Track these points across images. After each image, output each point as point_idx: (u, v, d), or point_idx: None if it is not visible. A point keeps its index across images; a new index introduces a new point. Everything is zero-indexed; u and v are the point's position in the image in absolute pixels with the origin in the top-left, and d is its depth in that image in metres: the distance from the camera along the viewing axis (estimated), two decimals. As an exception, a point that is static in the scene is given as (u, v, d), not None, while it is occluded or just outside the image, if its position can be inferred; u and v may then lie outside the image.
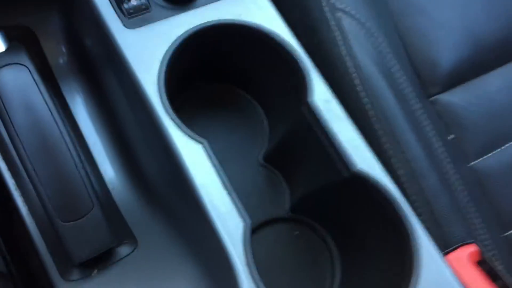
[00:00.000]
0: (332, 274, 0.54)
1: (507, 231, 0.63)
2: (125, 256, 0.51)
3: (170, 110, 0.46)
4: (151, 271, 0.51)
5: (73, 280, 0.49)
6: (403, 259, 0.44)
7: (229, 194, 0.44)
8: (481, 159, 0.64)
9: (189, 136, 0.46)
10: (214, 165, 0.45)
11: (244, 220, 0.43)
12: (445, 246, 0.51)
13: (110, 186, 0.56)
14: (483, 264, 0.48)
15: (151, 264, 0.51)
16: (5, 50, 0.48)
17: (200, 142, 0.46)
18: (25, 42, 0.50)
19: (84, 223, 0.47)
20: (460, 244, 0.49)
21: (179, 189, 0.48)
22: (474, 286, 0.45)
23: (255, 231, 0.57)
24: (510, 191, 0.64)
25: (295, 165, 0.56)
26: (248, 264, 0.41)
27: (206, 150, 0.45)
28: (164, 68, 0.47)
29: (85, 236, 0.47)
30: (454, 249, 0.48)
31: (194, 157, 0.45)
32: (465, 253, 0.48)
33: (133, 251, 0.52)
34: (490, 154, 0.65)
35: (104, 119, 0.59)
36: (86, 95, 0.58)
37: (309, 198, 0.54)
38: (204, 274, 0.50)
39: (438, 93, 0.65)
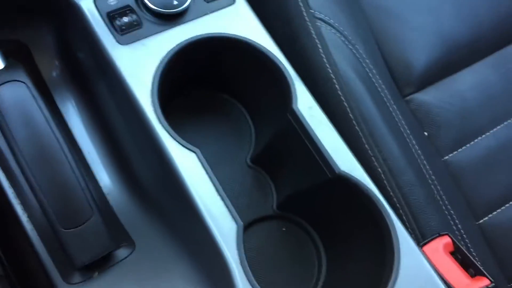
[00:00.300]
0: (319, 267, 0.58)
1: (479, 220, 0.68)
2: (124, 258, 0.54)
3: (164, 122, 0.49)
4: (149, 272, 0.54)
5: (75, 283, 0.52)
6: (384, 251, 0.48)
7: (222, 198, 0.47)
8: (454, 153, 0.69)
9: (183, 145, 0.49)
10: (207, 172, 0.48)
11: (237, 222, 0.47)
12: (422, 237, 0.55)
13: (105, 191, 0.59)
14: (456, 253, 0.52)
15: (149, 265, 0.54)
16: (4, 68, 0.50)
17: (193, 151, 0.49)
18: (20, 57, 0.52)
19: (85, 229, 0.50)
20: (436, 235, 0.53)
21: (173, 195, 0.51)
22: (449, 274, 0.49)
23: (245, 229, 0.60)
24: (482, 183, 0.69)
25: (281, 167, 0.60)
26: (242, 264, 0.45)
27: (199, 159, 0.49)
28: (157, 81, 0.50)
29: (86, 242, 0.50)
30: (430, 241, 0.52)
31: (188, 165, 0.48)
32: (440, 244, 0.52)
33: (131, 253, 0.54)
34: (462, 148, 0.69)
35: (97, 129, 0.62)
36: (79, 106, 0.61)
37: (295, 197, 0.58)
38: (200, 274, 0.53)
39: (413, 92, 0.69)
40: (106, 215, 0.55)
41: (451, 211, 0.64)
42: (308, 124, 0.52)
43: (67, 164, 0.49)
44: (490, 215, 0.68)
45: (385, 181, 0.58)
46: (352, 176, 0.50)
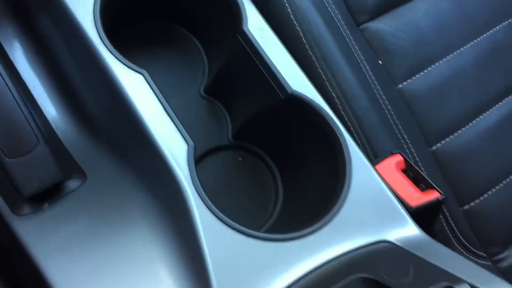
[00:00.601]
0: (276, 193, 0.58)
1: (432, 147, 0.69)
2: (75, 190, 0.52)
3: (109, 44, 0.47)
4: (102, 203, 0.52)
5: (24, 215, 0.50)
6: (337, 169, 0.48)
7: (171, 119, 0.46)
8: (408, 81, 0.69)
9: (129, 67, 0.47)
10: (155, 93, 0.47)
11: (187, 142, 0.46)
12: (375, 158, 0.56)
13: (54, 125, 0.57)
14: (408, 171, 0.53)
15: (101, 197, 0.53)
16: None
17: (140, 73, 0.47)
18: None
19: (30, 158, 0.48)
20: (388, 154, 0.53)
21: (123, 121, 0.50)
22: (400, 189, 0.50)
23: (201, 160, 0.60)
24: (435, 110, 0.70)
25: (234, 94, 0.59)
26: (194, 183, 0.44)
27: (146, 80, 0.47)
28: (98, 2, 0.48)
29: (32, 171, 0.48)
30: (382, 160, 0.53)
31: (135, 87, 0.47)
32: (392, 162, 0.53)
33: (82, 184, 0.53)
34: (416, 77, 0.69)
35: (42, 62, 0.59)
36: (22, 39, 0.58)
37: (249, 124, 0.57)
38: (154, 201, 0.52)
39: (367, 21, 0.69)
40: (54, 146, 0.53)
41: (405, 136, 0.65)
42: (259, 45, 0.51)
43: (9, 94, 0.47)
44: (443, 142, 0.69)
45: (339, 105, 0.58)
46: (304, 95, 0.50)
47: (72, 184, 0.53)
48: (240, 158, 0.61)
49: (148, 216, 0.50)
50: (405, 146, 0.62)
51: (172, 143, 0.45)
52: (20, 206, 0.51)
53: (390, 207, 0.47)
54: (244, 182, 0.60)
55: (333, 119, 0.49)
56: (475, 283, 0.39)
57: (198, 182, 0.44)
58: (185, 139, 0.46)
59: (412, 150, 0.62)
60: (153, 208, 0.52)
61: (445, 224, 0.67)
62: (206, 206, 0.44)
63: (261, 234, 0.43)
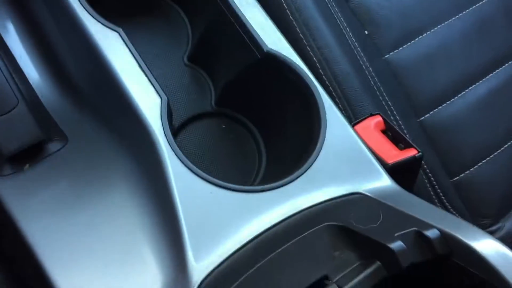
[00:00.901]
0: (259, 158, 0.59)
1: (420, 117, 0.69)
2: (56, 152, 0.53)
3: (86, 3, 0.48)
4: (83, 166, 0.53)
5: (4, 175, 0.51)
6: (312, 126, 0.48)
7: (145, 74, 0.47)
8: (394, 51, 0.69)
9: (104, 24, 0.48)
10: (130, 50, 0.47)
11: (161, 97, 0.46)
12: (355, 119, 0.56)
13: (39, 93, 0.57)
14: (387, 131, 0.53)
15: (82, 159, 0.53)
16: None
17: (116, 31, 0.48)
18: None
19: (10, 117, 0.49)
20: (367, 115, 0.53)
21: (102, 82, 0.51)
22: (378, 148, 0.50)
23: (184, 127, 0.60)
24: (423, 81, 0.69)
25: (216, 59, 0.59)
26: (166, 135, 0.44)
27: (121, 37, 0.48)
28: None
29: (12, 130, 0.49)
30: (361, 120, 0.52)
31: (111, 43, 0.47)
32: (372, 122, 0.52)
33: (63, 146, 0.53)
34: (403, 47, 0.69)
35: (28, 32, 0.60)
36: (8, 10, 0.59)
37: (231, 89, 0.57)
38: (134, 163, 0.52)
39: (352, -9, 0.68)
40: (35, 108, 0.54)
41: (392, 107, 0.65)
42: (236, 5, 0.51)
43: None
44: (431, 112, 0.69)
45: (320, 70, 0.58)
46: (280, 53, 0.50)
47: (53, 146, 0.54)
48: (223, 126, 0.61)
49: (128, 177, 0.50)
50: (391, 116, 0.61)
51: (146, 97, 0.46)
52: (2, 166, 0.51)
53: (365, 161, 0.47)
54: (227, 149, 0.60)
55: (308, 77, 0.49)
56: (445, 228, 0.38)
57: (170, 135, 0.45)
58: (158, 94, 0.46)
59: (400, 121, 0.62)
60: (132, 170, 0.52)
61: (434, 196, 0.67)
62: (178, 157, 0.44)
63: (231, 185, 0.43)
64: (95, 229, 0.47)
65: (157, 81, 0.47)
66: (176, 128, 0.59)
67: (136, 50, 0.49)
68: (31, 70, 0.59)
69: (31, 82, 0.58)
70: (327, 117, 0.48)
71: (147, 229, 0.45)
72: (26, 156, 0.52)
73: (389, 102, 0.65)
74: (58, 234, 0.47)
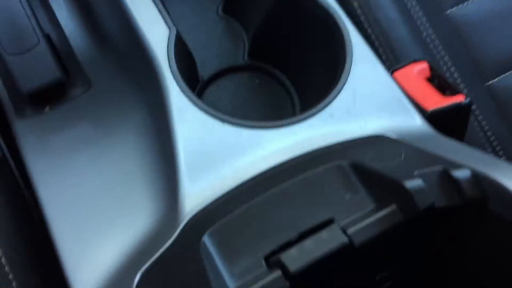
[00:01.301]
0: (293, 112, 0.54)
1: (488, 82, 0.60)
2: (78, 96, 0.52)
3: None
4: (103, 112, 0.51)
5: (26, 117, 0.50)
6: (337, 64, 0.43)
7: (156, 5, 0.44)
8: (458, 6, 0.61)
9: None
10: None
11: (169, 28, 0.43)
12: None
13: (67, 32, 0.57)
14: (434, 79, 0.45)
15: (103, 107, 0.52)
16: None
17: None
18: None
19: (31, 55, 0.48)
20: (410, 61, 0.46)
21: (119, 20, 0.49)
22: (417, 93, 0.42)
23: (213, 80, 0.57)
24: (491, 39, 0.60)
25: (253, 12, 0.55)
26: (170, 66, 0.41)
27: None
28: None
29: (32, 68, 0.48)
30: (402, 67, 0.45)
31: None
32: (415, 69, 0.45)
33: (85, 92, 0.52)
34: (468, 2, 0.61)
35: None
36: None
37: (261, 35, 0.53)
38: (147, 110, 0.50)
39: None
40: (61, 49, 0.53)
41: (454, 68, 0.57)
42: None
43: None
44: (502, 76, 0.60)
45: (362, 16, 0.52)
46: None
47: (76, 91, 0.53)
48: (257, 81, 0.57)
49: (139, 128, 0.48)
50: (455, 81, 0.53)
51: (154, 28, 0.43)
52: (23, 108, 0.51)
53: (396, 103, 0.40)
54: (260, 105, 0.56)
55: (335, 9, 0.43)
56: (478, 168, 0.31)
57: (175, 66, 0.41)
58: (167, 24, 0.43)
59: (463, 85, 0.54)
60: (145, 119, 0.49)
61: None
62: (181, 89, 0.40)
63: (236, 120, 0.39)
64: (97, 169, 0.45)
65: (168, 13, 0.43)
66: (206, 81, 0.56)
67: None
68: (61, 9, 0.58)
69: (60, 21, 0.58)
70: (355, 54, 0.42)
71: (147, 166, 0.42)
72: (48, 99, 0.51)
73: (448, 64, 0.57)
74: (60, 173, 0.45)
